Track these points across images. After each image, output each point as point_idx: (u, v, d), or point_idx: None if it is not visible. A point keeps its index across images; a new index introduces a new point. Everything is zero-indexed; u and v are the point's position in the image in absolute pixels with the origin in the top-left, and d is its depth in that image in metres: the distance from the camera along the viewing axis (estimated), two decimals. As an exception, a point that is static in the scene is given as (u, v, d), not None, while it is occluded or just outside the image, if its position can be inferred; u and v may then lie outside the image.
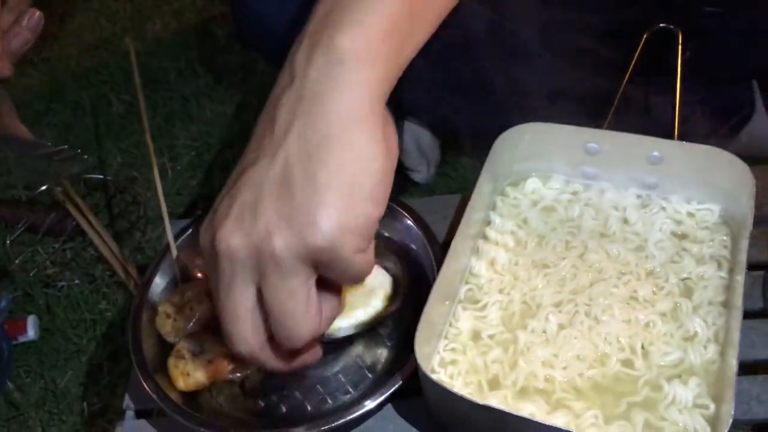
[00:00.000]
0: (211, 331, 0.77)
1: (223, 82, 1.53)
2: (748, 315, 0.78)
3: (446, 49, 0.98)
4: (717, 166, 0.78)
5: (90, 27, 1.76)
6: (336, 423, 0.71)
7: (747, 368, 0.74)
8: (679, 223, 0.82)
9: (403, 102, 1.15)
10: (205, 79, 1.54)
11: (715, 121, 1.13)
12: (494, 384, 0.72)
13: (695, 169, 0.80)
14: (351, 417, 0.71)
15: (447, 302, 0.76)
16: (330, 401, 0.76)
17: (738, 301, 0.69)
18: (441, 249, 0.80)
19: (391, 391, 0.71)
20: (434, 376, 0.71)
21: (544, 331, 0.74)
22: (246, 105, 1.49)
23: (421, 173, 1.24)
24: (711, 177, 0.80)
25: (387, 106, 0.58)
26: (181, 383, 0.74)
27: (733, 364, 0.64)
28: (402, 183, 1.23)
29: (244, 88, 1.51)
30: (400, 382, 0.71)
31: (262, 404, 0.77)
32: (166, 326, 0.78)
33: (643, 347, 0.72)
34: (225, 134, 1.44)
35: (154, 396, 0.72)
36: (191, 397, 0.75)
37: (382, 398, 0.71)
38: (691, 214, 0.82)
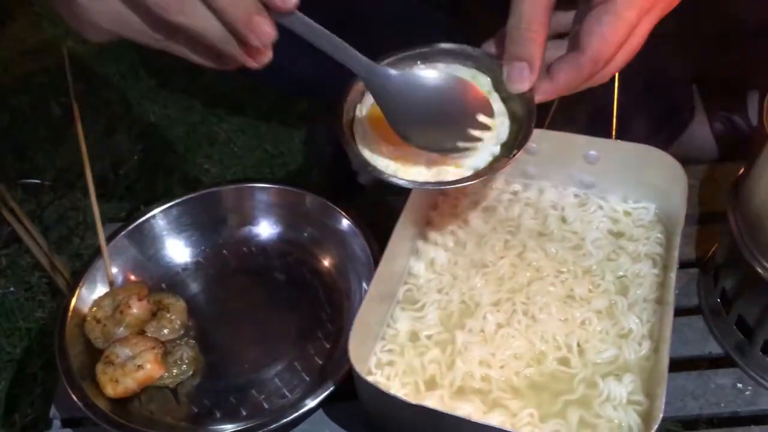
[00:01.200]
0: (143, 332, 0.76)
1: (167, 85, 1.50)
2: (683, 312, 0.79)
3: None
4: (650, 164, 0.79)
5: (31, 30, 1.71)
6: (270, 427, 0.69)
7: (682, 365, 0.75)
8: (615, 221, 0.82)
9: None
10: (148, 82, 1.51)
11: (654, 124, 1.15)
12: (431, 384, 0.71)
13: (630, 168, 0.80)
14: (284, 421, 0.69)
15: (384, 303, 0.75)
16: (266, 405, 0.75)
17: (670, 297, 0.69)
18: (380, 251, 0.79)
19: (325, 394, 0.70)
20: (370, 378, 0.70)
21: (482, 331, 0.74)
22: (191, 108, 1.46)
23: (366, 175, 1.23)
24: (645, 175, 0.80)
25: None
26: (110, 390, 0.72)
27: (665, 359, 0.64)
28: (349, 185, 1.22)
29: (189, 90, 1.49)
30: (333, 386, 0.70)
31: (195, 410, 0.75)
32: (95, 331, 0.76)
33: (579, 345, 0.72)
34: (169, 137, 1.41)
35: (80, 404, 0.70)
36: (121, 404, 0.73)
37: (315, 402, 0.69)
38: (627, 213, 0.83)
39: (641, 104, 1.12)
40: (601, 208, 0.83)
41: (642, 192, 0.82)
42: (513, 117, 0.68)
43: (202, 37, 0.53)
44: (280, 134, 1.42)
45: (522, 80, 0.64)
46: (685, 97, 1.23)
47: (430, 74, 0.64)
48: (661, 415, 0.60)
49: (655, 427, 0.59)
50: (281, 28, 0.54)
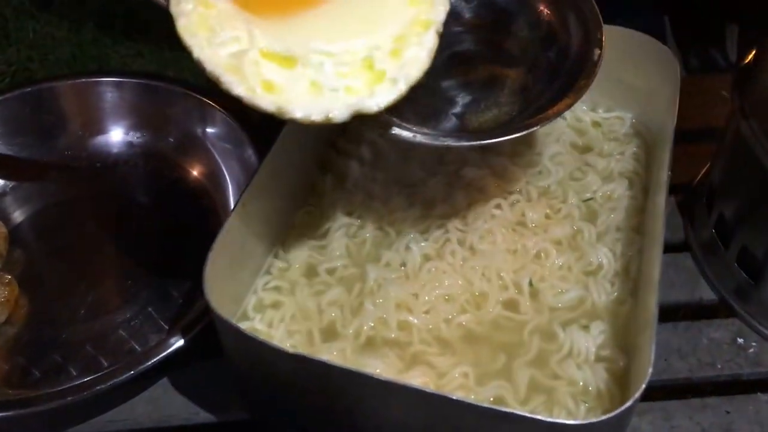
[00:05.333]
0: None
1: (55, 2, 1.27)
2: (665, 248, 0.61)
3: None
4: (632, 56, 0.62)
5: None
6: (100, 387, 0.49)
7: (666, 314, 0.57)
8: (581, 133, 0.65)
9: None
10: (30, -6, 1.28)
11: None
12: (330, 334, 0.52)
13: (606, 61, 0.62)
14: (119, 380, 0.49)
15: (268, 226, 0.55)
16: (105, 363, 0.54)
17: (658, 227, 0.51)
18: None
19: (171, 349, 0.50)
20: (244, 325, 0.51)
21: (403, 265, 0.55)
22: (83, 26, 1.23)
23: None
24: (624, 71, 0.63)
25: None
26: None
27: (651, 304, 0.46)
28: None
29: (79, 7, 1.26)
30: (183, 338, 0.50)
31: (6, 368, 0.54)
32: None
33: (531, 284, 0.54)
34: (50, 59, 1.18)
35: None
36: None
37: (156, 360, 0.49)
38: (596, 123, 0.65)
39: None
40: (562, 117, 0.65)
41: (618, 98, 0.65)
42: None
43: None
44: (186, 60, 1.21)
45: None
46: (656, 27, 1.07)
47: None
48: (648, 374, 0.42)
49: (639, 391, 0.41)
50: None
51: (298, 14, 0.42)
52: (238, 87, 0.41)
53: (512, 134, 0.49)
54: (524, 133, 0.49)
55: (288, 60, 0.42)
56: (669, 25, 1.07)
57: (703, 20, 1.06)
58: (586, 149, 0.64)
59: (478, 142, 0.50)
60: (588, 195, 0.60)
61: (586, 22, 0.53)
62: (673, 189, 0.65)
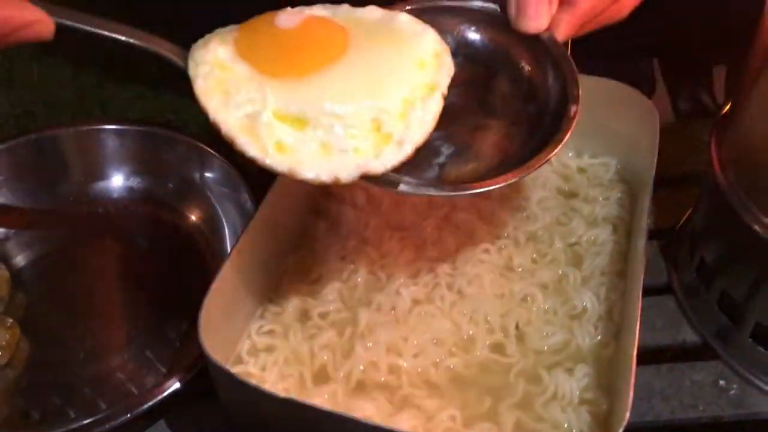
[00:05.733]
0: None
1: (59, 42, 1.30)
2: (649, 291, 0.63)
3: None
4: (615, 106, 0.64)
5: None
6: (98, 430, 0.50)
7: (649, 356, 0.58)
8: (566, 179, 0.66)
9: None
10: (36, 40, 1.31)
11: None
12: (322, 377, 0.53)
13: (588, 112, 0.64)
14: (117, 423, 0.50)
15: (263, 272, 0.57)
16: (103, 405, 0.56)
17: (638, 271, 0.53)
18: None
19: (167, 392, 0.51)
20: (237, 369, 0.52)
21: (394, 309, 0.57)
22: (86, 69, 1.26)
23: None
24: (608, 122, 0.65)
25: None
26: None
27: (631, 345, 0.48)
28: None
29: (83, 49, 1.29)
30: (179, 382, 0.52)
31: (6, 411, 0.55)
32: None
33: (518, 328, 0.56)
34: (56, 102, 1.21)
35: None
36: None
37: (153, 403, 0.51)
38: (582, 169, 0.67)
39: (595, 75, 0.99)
40: (549, 163, 0.66)
41: (601, 144, 0.67)
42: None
43: None
44: (185, 103, 1.24)
45: (538, 14, 0.51)
46: (645, 70, 1.10)
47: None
48: (627, 417, 0.43)
49: (619, 432, 0.43)
50: None
51: (310, 75, 0.44)
52: (252, 149, 0.43)
53: (492, 186, 0.51)
54: (502, 185, 0.51)
55: (300, 121, 0.43)
56: (659, 68, 1.10)
57: (692, 63, 1.09)
58: (572, 194, 0.65)
59: (460, 193, 0.51)
60: (573, 240, 0.61)
61: (564, 79, 0.55)
62: (657, 233, 0.67)
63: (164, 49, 0.46)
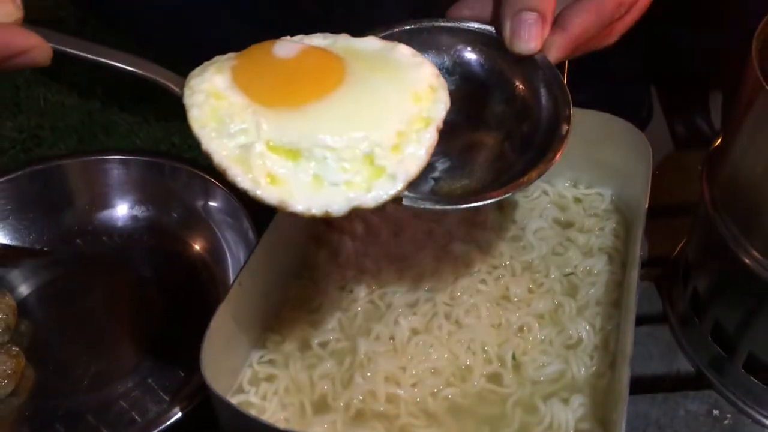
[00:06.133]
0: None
1: (64, 67, 1.32)
2: (644, 320, 0.64)
3: None
4: (610, 139, 0.65)
5: None
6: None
7: (644, 385, 0.59)
8: (563, 209, 0.67)
9: None
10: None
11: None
12: (321, 407, 0.54)
13: (584, 144, 0.65)
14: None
15: (264, 300, 0.58)
16: (105, 434, 0.57)
17: (631, 300, 0.54)
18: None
19: (172, 420, 0.52)
20: (238, 399, 0.53)
21: (392, 338, 0.58)
22: (91, 94, 1.28)
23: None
24: (602, 153, 0.66)
25: None
26: None
27: (624, 376, 0.49)
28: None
29: (89, 74, 1.31)
30: (181, 411, 0.52)
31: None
32: None
33: (514, 358, 0.56)
34: (62, 126, 1.23)
35: None
36: None
37: (156, 431, 0.52)
38: (577, 200, 0.68)
39: (593, 102, 1.00)
40: (545, 193, 0.68)
41: (597, 175, 0.68)
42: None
43: None
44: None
45: (531, 36, 0.52)
46: (643, 95, 1.11)
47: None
48: (620, 449, 0.44)
49: (612, 465, 0.44)
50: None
51: (305, 106, 0.43)
52: (243, 180, 0.42)
53: (486, 200, 0.51)
54: (496, 199, 0.51)
55: (292, 153, 0.43)
56: (656, 94, 1.11)
57: (689, 89, 1.10)
58: (568, 224, 0.66)
59: (455, 207, 0.51)
60: (569, 270, 0.62)
61: (556, 100, 0.56)
62: (653, 262, 0.69)
63: (161, 76, 0.46)
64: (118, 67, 0.46)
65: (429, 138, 0.46)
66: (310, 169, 0.43)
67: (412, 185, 0.53)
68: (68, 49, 0.45)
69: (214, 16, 0.89)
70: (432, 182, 0.55)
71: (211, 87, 0.44)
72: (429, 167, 0.55)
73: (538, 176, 0.52)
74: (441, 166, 0.56)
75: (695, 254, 0.60)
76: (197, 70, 0.46)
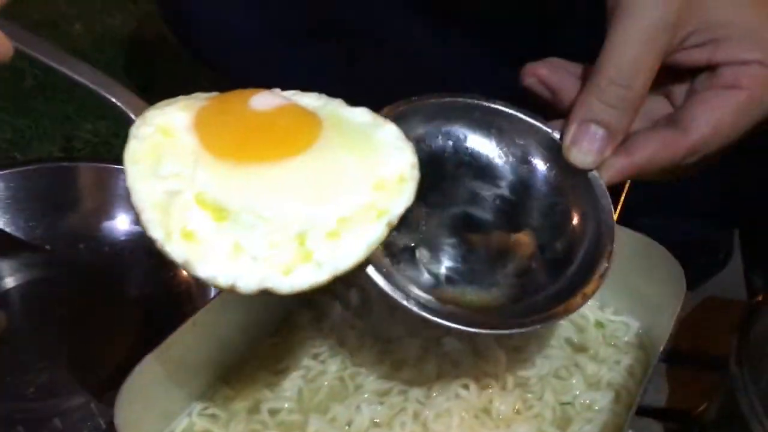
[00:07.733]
0: None
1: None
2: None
3: None
4: (645, 265, 0.58)
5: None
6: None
7: None
8: (580, 330, 0.60)
9: None
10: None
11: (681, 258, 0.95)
12: (249, 479, 0.49)
13: (619, 262, 0.59)
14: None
15: (223, 349, 0.53)
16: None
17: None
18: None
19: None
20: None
21: (349, 425, 0.52)
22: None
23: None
24: (634, 280, 0.59)
25: None
26: None
27: None
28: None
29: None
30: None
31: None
32: None
33: (475, 481, 0.49)
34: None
35: None
36: None
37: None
38: (600, 324, 0.61)
39: (663, 233, 0.93)
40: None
41: (627, 302, 0.61)
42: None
43: None
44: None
45: (592, 150, 0.48)
46: (723, 237, 1.02)
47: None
48: None
49: None
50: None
51: (255, 166, 0.39)
52: (155, 228, 0.38)
53: (497, 330, 0.46)
54: (516, 331, 0.46)
55: (220, 212, 0.38)
56: (738, 239, 1.02)
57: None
58: (581, 349, 0.59)
59: (460, 327, 0.45)
60: (567, 399, 0.55)
61: (600, 226, 0.50)
62: (670, 413, 0.60)
63: (120, 98, 0.43)
64: (77, 80, 0.44)
65: (374, 233, 0.40)
66: (233, 234, 0.38)
67: (409, 274, 0.47)
68: (29, 51, 0.43)
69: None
70: (432, 279, 0.49)
71: (165, 122, 0.40)
72: (435, 259, 0.50)
73: (565, 315, 0.46)
74: (451, 262, 0.50)
75: (716, 416, 0.52)
76: (162, 102, 0.43)
